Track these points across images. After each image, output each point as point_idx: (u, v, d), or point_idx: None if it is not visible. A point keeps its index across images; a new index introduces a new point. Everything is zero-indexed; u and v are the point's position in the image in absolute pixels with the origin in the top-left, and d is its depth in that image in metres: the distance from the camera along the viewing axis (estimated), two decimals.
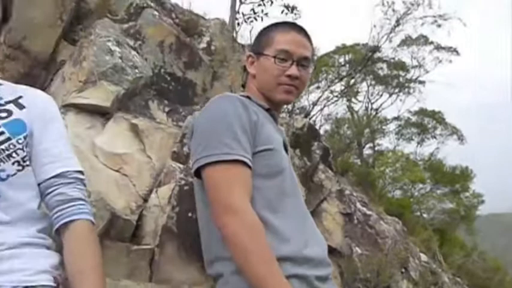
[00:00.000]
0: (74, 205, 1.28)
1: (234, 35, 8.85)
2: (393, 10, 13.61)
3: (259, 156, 1.49)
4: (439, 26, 14.61)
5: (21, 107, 1.31)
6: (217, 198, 1.38)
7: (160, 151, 3.54)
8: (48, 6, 3.62)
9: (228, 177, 1.39)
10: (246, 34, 14.74)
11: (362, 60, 14.39)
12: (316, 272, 1.43)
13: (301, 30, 1.69)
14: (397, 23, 13.51)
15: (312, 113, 13.63)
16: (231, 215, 1.33)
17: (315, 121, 13.87)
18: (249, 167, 1.43)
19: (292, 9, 13.73)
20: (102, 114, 3.60)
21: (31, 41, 3.55)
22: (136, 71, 3.83)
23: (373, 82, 17.12)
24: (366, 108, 17.10)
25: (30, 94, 1.39)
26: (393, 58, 16.27)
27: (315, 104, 13.53)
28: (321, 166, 5.89)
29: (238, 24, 13.25)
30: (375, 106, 17.24)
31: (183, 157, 3.51)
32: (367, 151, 17.05)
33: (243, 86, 5.19)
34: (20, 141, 1.26)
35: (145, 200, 3.32)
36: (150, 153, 3.52)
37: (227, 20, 12.63)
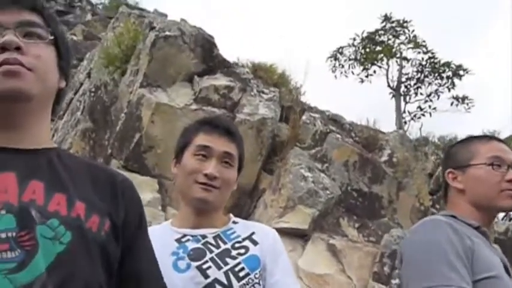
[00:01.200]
0: None
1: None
2: None
3: (481, 286, 1.41)
4: None
5: (255, 243, 1.53)
6: None
7: (360, 271, 3.59)
8: (251, 145, 4.30)
9: None
10: (414, 131, 14.39)
11: None
12: None
13: (498, 139, 1.66)
14: None
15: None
16: None
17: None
18: None
19: (463, 99, 13.15)
20: (301, 236, 3.90)
21: (239, 176, 4.19)
22: (327, 192, 4.12)
23: None
24: None
25: (261, 230, 1.61)
26: None
27: None
28: None
29: (405, 123, 13.18)
30: None
31: (385, 278, 3.47)
32: None
33: (430, 193, 5.02)
34: (256, 276, 1.45)
35: None
36: (349, 273, 3.59)
37: (393, 120, 12.71)
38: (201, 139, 1.48)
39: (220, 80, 4.66)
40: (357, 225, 4.37)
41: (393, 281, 3.31)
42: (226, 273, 1.40)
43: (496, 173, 1.54)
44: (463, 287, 1.37)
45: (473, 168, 1.58)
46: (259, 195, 4.41)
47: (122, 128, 4.45)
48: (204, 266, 1.39)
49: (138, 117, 4.35)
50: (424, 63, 13.32)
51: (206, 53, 4.77)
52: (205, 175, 1.42)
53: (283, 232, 3.89)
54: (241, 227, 1.58)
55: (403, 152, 4.90)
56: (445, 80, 13.21)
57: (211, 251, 1.43)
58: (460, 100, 13.01)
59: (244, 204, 4.38)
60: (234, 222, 1.59)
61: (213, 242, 1.46)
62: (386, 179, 4.73)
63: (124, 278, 0.90)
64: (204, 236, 1.46)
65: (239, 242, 1.51)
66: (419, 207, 4.86)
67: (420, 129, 12.36)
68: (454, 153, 1.69)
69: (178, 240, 1.45)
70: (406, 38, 13.43)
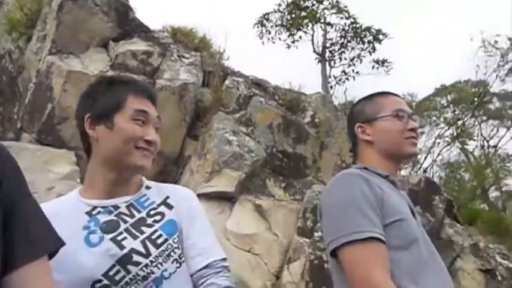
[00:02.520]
0: None
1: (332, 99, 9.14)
2: (496, 48, 13.03)
3: (390, 228, 1.52)
4: None
5: (170, 207, 1.50)
6: (358, 279, 1.42)
7: (285, 228, 3.71)
8: (174, 112, 4.20)
9: (365, 256, 1.43)
10: (340, 95, 14.93)
11: (471, 98, 13.66)
12: None
13: (395, 93, 1.79)
14: (503, 58, 12.84)
15: (425, 164, 12.97)
16: None
17: (426, 170, 13.12)
18: (383, 241, 1.47)
19: (382, 63, 13.80)
20: (228, 199, 3.93)
21: (163, 144, 4.08)
22: (253, 154, 4.17)
23: (484, 118, 15.89)
24: (482, 147, 15.76)
25: (175, 193, 1.59)
26: (504, 90, 15.12)
27: (427, 154, 12.91)
28: (447, 220, 5.52)
29: (331, 87, 13.61)
30: (492, 143, 15.83)
31: (308, 232, 3.63)
32: (493, 194, 15.41)
33: (351, 151, 5.26)
34: (175, 241, 1.44)
35: (278, 278, 3.45)
36: (276, 230, 3.70)
37: (320, 85, 13.06)
38: (136, 103, 1.41)
39: (138, 45, 4.45)
40: (283, 185, 4.48)
41: (316, 234, 3.47)
42: (143, 242, 1.35)
43: (400, 123, 1.63)
44: (374, 231, 1.45)
45: (381, 120, 1.66)
46: (185, 162, 4.36)
47: (32, 99, 4.12)
48: (119, 238, 1.33)
49: (49, 87, 4.05)
50: (346, 28, 13.72)
51: (121, 17, 4.51)
52: (147, 141, 1.37)
53: (210, 196, 3.91)
54: (155, 192, 1.51)
55: (325, 113, 5.06)
56: (366, 45, 13.74)
57: (125, 222, 1.38)
58: (380, 63, 13.65)
59: (170, 172, 4.32)
60: (147, 187, 1.52)
61: (126, 211, 1.40)
62: (309, 140, 4.87)
63: (7, 241, 0.88)
64: (116, 207, 1.40)
65: (154, 208, 1.45)
66: (341, 165, 5.09)
67: (345, 92, 12.86)
68: (361, 109, 1.77)
69: (88, 213, 1.38)
70: (330, 3, 13.69)
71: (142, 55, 4.39)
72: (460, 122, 13.94)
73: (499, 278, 5.39)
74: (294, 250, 3.48)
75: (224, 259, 1.49)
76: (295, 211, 3.86)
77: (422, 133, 14.59)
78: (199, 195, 3.90)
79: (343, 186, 1.56)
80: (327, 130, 5.02)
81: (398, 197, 1.65)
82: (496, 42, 13.23)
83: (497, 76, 13.56)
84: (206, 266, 1.41)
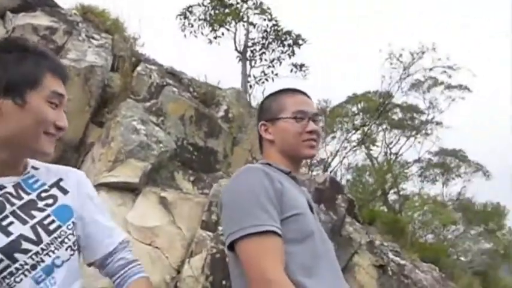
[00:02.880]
0: (134, 266, 1.40)
1: (248, 97, 9.23)
2: (400, 61, 14.16)
3: (288, 222, 1.54)
4: (450, 76, 15.18)
5: (64, 191, 1.39)
6: (253, 272, 1.42)
7: (190, 221, 3.64)
8: (77, 95, 3.91)
9: (261, 249, 1.44)
10: (259, 95, 15.15)
11: (376, 107, 14.68)
12: None
13: (302, 92, 1.83)
14: (405, 71, 14.01)
15: (332, 165, 13.67)
16: (267, 287, 1.38)
17: (335, 172, 13.84)
18: (279, 235, 1.49)
19: (300, 67, 14.27)
20: (131, 190, 3.76)
21: None
22: (161, 145, 4.03)
23: (388, 127, 17.21)
24: (385, 154, 17.05)
25: (69, 176, 1.49)
26: (405, 102, 16.50)
27: (334, 156, 13.62)
28: (348, 219, 5.84)
29: (250, 86, 13.76)
30: (393, 151, 17.19)
31: (212, 225, 3.58)
32: (392, 197, 16.75)
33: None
34: (69, 227, 1.34)
35: (179, 272, 3.37)
36: (180, 224, 3.61)
37: (240, 84, 13.15)
38: (54, 83, 1.31)
39: (41, 19, 4.08)
40: (192, 178, 4.40)
41: (220, 228, 3.44)
42: (33, 228, 1.24)
43: (298, 125, 1.66)
44: (272, 225, 1.45)
45: (281, 121, 1.68)
46: (87, 149, 4.09)
47: None
48: (4, 222, 1.21)
49: None
50: (268, 30, 13.97)
51: None
52: (56, 127, 1.30)
53: (112, 186, 3.71)
54: (44, 173, 1.40)
55: (239, 108, 5.07)
56: (286, 48, 14.10)
57: (12, 204, 1.25)
58: (298, 67, 14.11)
59: (70, 159, 4.01)
60: (34, 168, 1.40)
61: (13, 192, 1.28)
62: (222, 134, 4.84)
63: None
64: (1, 187, 1.27)
65: (46, 190, 1.35)
66: (252, 161, 5.13)
67: (263, 93, 13.07)
68: (267, 107, 1.77)
69: None
70: (254, 3, 13.84)
71: (45, 31, 4.04)
72: (366, 128, 14.93)
73: (390, 273, 5.82)
74: (197, 244, 3.42)
75: (126, 237, 1.49)
76: (201, 205, 3.80)
77: (333, 137, 15.37)
78: (101, 185, 3.67)
79: (243, 180, 1.56)
80: (239, 125, 5.04)
81: (299, 193, 1.68)
82: (400, 55, 14.40)
83: (399, 87, 14.76)
84: (116, 246, 1.41)
